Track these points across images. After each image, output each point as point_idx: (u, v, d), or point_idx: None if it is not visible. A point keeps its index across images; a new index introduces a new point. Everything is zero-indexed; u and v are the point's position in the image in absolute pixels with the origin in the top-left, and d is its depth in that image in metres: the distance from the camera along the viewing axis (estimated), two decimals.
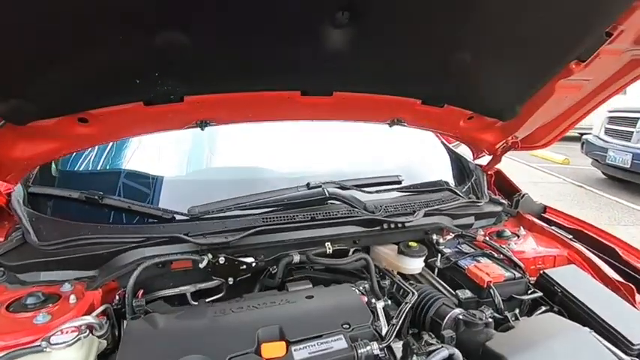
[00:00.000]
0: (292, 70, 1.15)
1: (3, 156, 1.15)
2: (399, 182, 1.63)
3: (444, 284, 1.31)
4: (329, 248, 1.32)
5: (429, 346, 0.92)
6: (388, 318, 1.07)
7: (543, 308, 1.23)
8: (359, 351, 0.84)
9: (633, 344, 1.02)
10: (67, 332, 0.86)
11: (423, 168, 1.92)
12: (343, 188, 1.47)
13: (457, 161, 2.07)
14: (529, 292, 1.25)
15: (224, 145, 1.69)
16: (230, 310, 0.96)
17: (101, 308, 1.06)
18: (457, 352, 0.89)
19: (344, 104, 1.37)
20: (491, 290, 1.18)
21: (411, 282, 1.30)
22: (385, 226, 1.42)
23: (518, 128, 1.65)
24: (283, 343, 0.85)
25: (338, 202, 1.46)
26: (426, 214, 1.50)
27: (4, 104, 0.95)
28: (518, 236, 1.57)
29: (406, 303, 1.05)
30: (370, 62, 1.18)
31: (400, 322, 0.97)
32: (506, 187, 1.97)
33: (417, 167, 1.89)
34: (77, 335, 0.85)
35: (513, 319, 1.07)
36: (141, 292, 1.19)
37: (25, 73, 0.91)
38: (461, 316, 1.04)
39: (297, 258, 1.30)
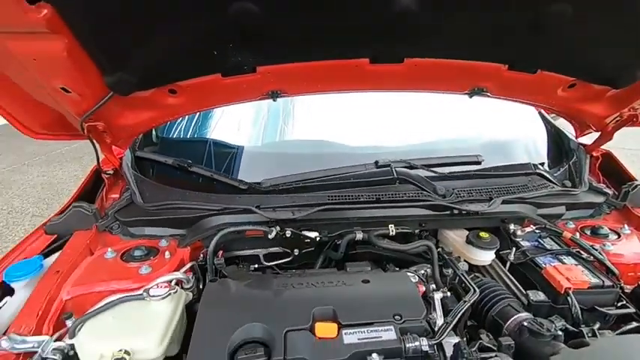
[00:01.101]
0: (360, 34, 1.07)
1: (113, 123, 1.34)
2: (479, 163, 1.50)
3: (515, 281, 1.22)
4: (392, 230, 1.31)
5: (481, 352, 0.90)
6: (445, 311, 1.06)
7: (634, 324, 1.08)
8: (407, 345, 0.86)
9: None
10: (161, 286, 1.04)
11: (511, 146, 1.72)
12: (412, 168, 1.41)
13: (555, 137, 1.80)
14: (619, 304, 1.10)
15: (297, 117, 1.73)
16: (291, 284, 1.05)
17: (189, 265, 1.24)
18: None
19: (417, 72, 1.24)
20: (569, 298, 1.07)
21: (476, 274, 1.25)
22: (456, 211, 1.35)
23: (638, 98, 1.33)
24: (335, 325, 0.91)
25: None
26: (504, 202, 1.37)
27: (112, 77, 1.08)
28: (619, 235, 1.36)
29: (465, 301, 1.02)
30: (447, 21, 1.04)
31: (455, 321, 0.96)
32: (615, 173, 1.67)
33: (502, 145, 1.71)
34: (168, 291, 1.02)
35: (590, 334, 0.97)
36: (220, 252, 1.36)
37: (128, 48, 1.02)
38: (526, 323, 0.98)
39: (359, 236, 1.33)
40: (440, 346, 0.92)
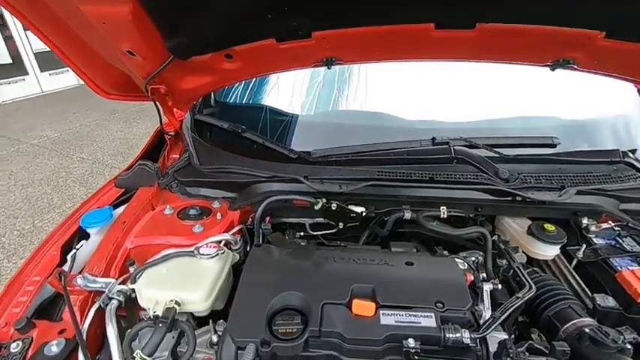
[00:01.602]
0: None
1: (174, 87, 1.39)
2: (553, 145, 1.34)
3: (580, 282, 1.10)
4: (443, 213, 1.24)
5: (530, 354, 0.83)
6: (494, 304, 1.00)
7: None
8: (447, 335, 0.82)
9: None
10: (211, 246, 1.10)
11: (596, 128, 1.50)
12: (473, 147, 1.29)
13: None
14: None
15: (352, 86, 1.65)
16: (332, 258, 1.05)
17: (237, 227, 1.30)
18: None
19: (490, 40, 1.10)
20: None
21: (535, 269, 1.14)
22: (519, 198, 1.22)
23: None
24: (373, 305, 0.89)
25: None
26: (579, 193, 1.21)
27: (171, 41, 1.11)
28: None
29: (517, 298, 0.94)
30: None
31: (503, 317, 0.89)
32: None
33: (585, 127, 1.49)
34: (217, 251, 1.08)
35: None
36: (268, 218, 1.40)
37: (187, 13, 1.04)
38: (588, 329, 0.88)
39: (408, 215, 1.28)
40: (484, 340, 0.86)
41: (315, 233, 1.43)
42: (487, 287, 1.03)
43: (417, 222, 1.21)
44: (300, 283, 0.96)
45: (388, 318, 0.87)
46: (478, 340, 0.84)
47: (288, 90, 1.74)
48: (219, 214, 1.32)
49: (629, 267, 1.07)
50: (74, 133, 5.83)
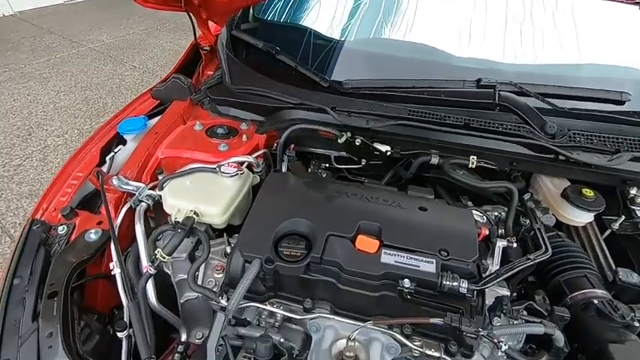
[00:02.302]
0: None
1: None
2: (621, 102, 1.16)
3: (607, 253, 1.03)
4: (472, 163, 1.17)
5: (524, 313, 0.82)
6: (505, 262, 0.97)
7: None
8: (444, 282, 0.83)
9: None
10: (232, 166, 1.14)
11: None
12: (522, 94, 1.15)
13: None
14: None
15: (399, 12, 1.48)
16: (346, 193, 1.05)
17: (261, 151, 1.32)
18: (559, 334, 0.77)
19: None
20: None
21: (559, 233, 1.08)
22: (562, 157, 1.11)
23: None
24: (377, 242, 0.91)
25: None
26: (635, 159, 1.08)
27: None
28: None
29: (528, 259, 0.90)
30: None
31: (507, 275, 0.87)
32: None
33: None
34: (236, 171, 1.11)
35: None
36: (292, 146, 1.40)
37: None
38: (596, 301, 0.84)
39: (435, 160, 1.22)
40: (481, 293, 0.86)
41: (339, 166, 1.42)
42: (500, 244, 1.00)
43: (442, 168, 1.15)
44: (311, 211, 0.99)
45: (389, 257, 0.88)
46: (475, 291, 0.84)
47: (330, 10, 1.60)
48: (245, 135, 1.34)
49: None
50: (127, 40, 5.95)
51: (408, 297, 0.83)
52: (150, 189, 1.16)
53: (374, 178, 1.38)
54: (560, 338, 0.77)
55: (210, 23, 1.54)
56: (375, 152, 1.25)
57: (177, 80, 1.44)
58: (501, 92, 1.17)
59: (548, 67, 1.33)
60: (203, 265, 1.05)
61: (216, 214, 1.05)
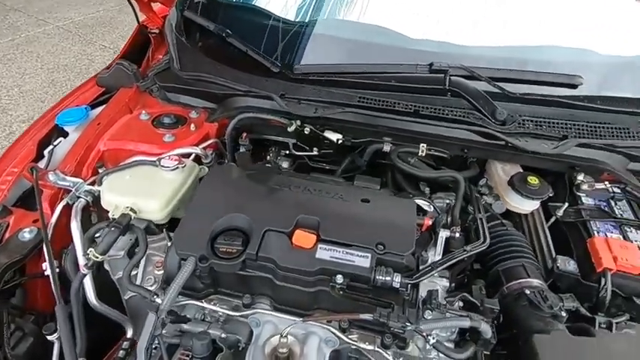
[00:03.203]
0: None
1: None
2: (574, 86, 1.13)
3: (549, 241, 1.03)
4: (422, 150, 1.14)
5: (460, 304, 0.83)
6: (448, 251, 0.97)
7: None
8: (377, 277, 0.82)
9: None
10: (172, 159, 1.09)
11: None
12: (474, 79, 1.12)
13: None
14: None
15: None
16: (289, 185, 1.03)
17: (210, 141, 1.27)
18: (485, 326, 0.77)
19: None
20: (604, 278, 0.88)
21: (505, 221, 1.08)
22: (510, 144, 1.10)
23: None
24: (314, 237, 0.89)
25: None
26: (582, 145, 1.07)
27: None
28: None
29: (465, 250, 0.90)
30: None
31: (440, 269, 0.86)
32: None
33: (624, 67, 1.24)
34: (176, 164, 1.07)
35: (604, 326, 0.82)
36: (244, 134, 1.36)
37: None
38: (528, 291, 0.85)
39: (387, 148, 1.20)
40: (415, 286, 0.86)
41: (298, 154, 1.39)
42: (443, 234, 0.99)
43: (390, 157, 1.13)
44: (250, 206, 0.96)
45: (324, 252, 0.87)
46: (409, 285, 0.84)
47: None
48: (193, 125, 1.29)
49: (607, 233, 0.99)
50: (97, 17, 5.66)
51: (341, 293, 0.82)
52: (90, 184, 1.11)
53: (336, 164, 1.36)
54: (486, 330, 0.78)
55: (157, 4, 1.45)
56: (325, 141, 1.22)
57: (121, 66, 1.37)
58: (452, 77, 1.13)
59: (504, 49, 1.29)
60: (143, 261, 1.02)
61: (155, 209, 1.02)
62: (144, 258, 1.02)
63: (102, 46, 4.89)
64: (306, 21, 1.44)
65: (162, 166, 1.07)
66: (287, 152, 1.40)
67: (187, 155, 1.21)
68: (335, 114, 1.16)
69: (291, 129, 1.21)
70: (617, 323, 0.82)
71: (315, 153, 1.36)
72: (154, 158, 1.11)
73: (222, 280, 0.94)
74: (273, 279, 0.89)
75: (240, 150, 1.39)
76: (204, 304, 0.92)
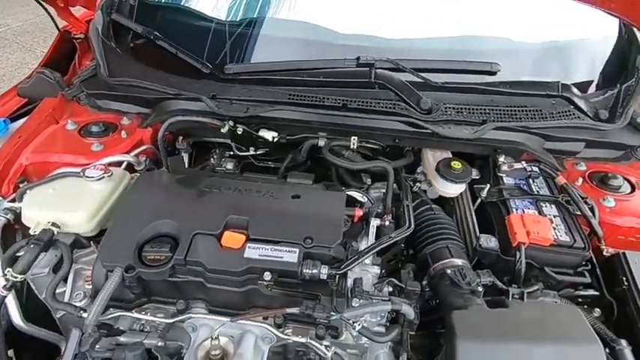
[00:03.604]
0: None
1: None
2: (492, 73, 1.19)
3: (474, 222, 1.09)
4: (353, 143, 1.17)
5: (389, 289, 0.86)
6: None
7: (591, 293, 0.96)
8: (304, 270, 0.84)
9: None
10: (98, 169, 1.06)
11: (549, 55, 1.33)
12: (398, 70, 1.15)
13: (622, 49, 1.35)
14: (579, 270, 0.96)
15: None
16: (220, 187, 1.02)
17: (143, 147, 1.24)
18: (407, 308, 0.81)
19: None
20: (518, 252, 0.94)
21: (433, 206, 1.12)
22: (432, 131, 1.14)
23: None
24: (243, 237, 0.90)
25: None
26: (499, 129, 1.13)
27: None
28: (634, 189, 1.10)
29: (390, 237, 0.93)
30: None
31: (366, 257, 0.89)
32: None
33: (538, 52, 1.32)
34: (102, 174, 1.04)
35: (517, 296, 0.88)
36: (181, 138, 1.34)
37: None
38: (449, 271, 0.89)
39: (322, 143, 1.22)
40: (344, 277, 0.89)
41: (241, 154, 1.38)
42: (374, 223, 1.02)
43: (321, 153, 1.15)
44: (179, 211, 0.95)
45: (253, 251, 0.87)
46: (337, 275, 0.86)
47: None
48: (124, 132, 1.26)
49: (525, 210, 1.05)
50: (37, 23, 5.33)
51: (270, 289, 0.83)
52: (11, 201, 1.06)
53: (281, 162, 1.36)
54: (409, 312, 0.82)
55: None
56: (260, 140, 1.22)
57: (43, 75, 1.30)
58: (378, 70, 1.16)
59: (428, 41, 1.33)
60: (72, 276, 0.99)
61: (80, 221, 0.98)
62: (72, 273, 0.99)
63: (43, 54, 4.62)
64: (238, 20, 1.43)
65: (87, 176, 1.04)
66: (231, 153, 1.39)
67: (119, 163, 1.17)
68: (266, 112, 1.17)
69: (224, 130, 1.20)
70: (528, 293, 0.88)
71: (260, 152, 1.36)
72: (78, 169, 1.07)
73: (153, 288, 0.93)
74: (204, 282, 0.89)
75: (182, 154, 1.38)
76: (136, 315, 0.91)
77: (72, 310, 0.86)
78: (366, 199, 1.12)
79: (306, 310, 0.79)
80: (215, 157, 1.40)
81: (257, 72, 1.25)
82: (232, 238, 0.89)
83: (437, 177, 1.12)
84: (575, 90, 1.21)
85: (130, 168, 1.20)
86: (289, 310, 0.80)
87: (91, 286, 0.98)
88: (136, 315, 0.90)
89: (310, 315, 0.79)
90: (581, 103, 1.19)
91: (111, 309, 0.91)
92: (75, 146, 1.19)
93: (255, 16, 1.40)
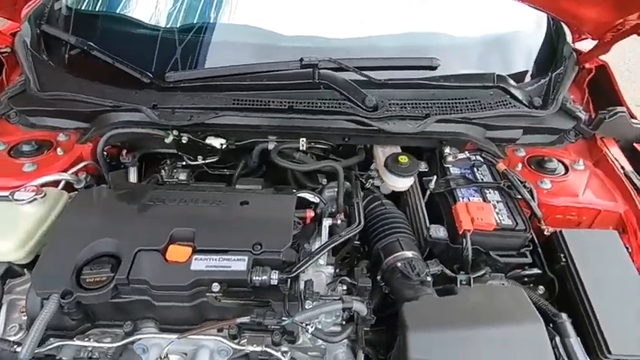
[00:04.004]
0: None
1: None
2: (433, 68, 1.22)
3: (424, 214, 1.11)
4: (302, 145, 1.17)
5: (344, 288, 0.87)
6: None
7: (535, 272, 1.01)
8: (253, 278, 0.82)
9: (608, 353, 0.81)
10: (29, 190, 0.99)
11: (487, 48, 1.39)
12: (342, 70, 1.16)
13: (551, 39, 1.43)
14: (521, 250, 1.00)
15: None
16: (164, 200, 0.98)
17: (83, 164, 1.18)
18: (358, 305, 0.81)
19: None
20: (464, 239, 0.97)
21: (385, 201, 1.14)
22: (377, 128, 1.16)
23: None
24: (189, 249, 0.87)
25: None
26: (443, 121, 1.16)
27: None
28: (568, 171, 1.17)
29: (340, 236, 0.94)
30: None
31: (317, 257, 0.89)
32: (605, 93, 1.37)
33: (475, 46, 1.38)
34: (32, 196, 0.97)
35: (465, 282, 0.90)
36: (124, 151, 1.28)
37: None
38: (399, 264, 0.91)
39: (272, 146, 1.21)
40: (296, 280, 0.88)
41: (193, 163, 1.33)
42: (326, 223, 1.02)
43: (270, 156, 1.14)
44: (119, 228, 0.91)
45: (200, 263, 0.85)
46: (289, 280, 0.85)
47: None
48: (60, 149, 1.18)
49: (470, 197, 1.09)
50: None
51: (219, 301, 0.81)
52: None
53: (234, 169, 1.33)
54: (361, 309, 0.82)
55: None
56: (207, 148, 1.19)
57: None
58: (321, 70, 1.16)
59: (371, 39, 1.35)
60: (5, 309, 0.92)
61: (9, 249, 0.91)
62: (5, 304, 0.92)
63: None
64: (178, 27, 1.39)
65: (16, 199, 0.97)
66: (183, 164, 1.35)
67: (56, 183, 1.10)
68: (210, 119, 1.14)
69: (168, 140, 1.17)
70: (475, 278, 0.91)
71: (213, 160, 1.32)
72: (5, 192, 0.99)
73: (97, 312, 0.88)
74: (151, 300, 0.85)
75: (129, 168, 1.32)
76: (80, 342, 0.85)
77: (4, 345, 0.80)
78: (318, 199, 1.12)
79: (257, 317, 0.78)
80: (166, 168, 1.35)
81: (199, 78, 1.21)
82: (178, 252, 0.86)
83: (386, 172, 1.13)
84: (510, 80, 1.27)
85: (69, 187, 1.13)
86: (240, 320, 0.78)
87: (26, 318, 0.92)
88: (79, 343, 0.85)
89: (261, 323, 0.77)
90: (517, 93, 1.25)
91: (51, 339, 0.85)
92: (5, 168, 1.11)
93: (195, 21, 1.36)
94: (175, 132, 1.16)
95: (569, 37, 1.38)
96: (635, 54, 4.76)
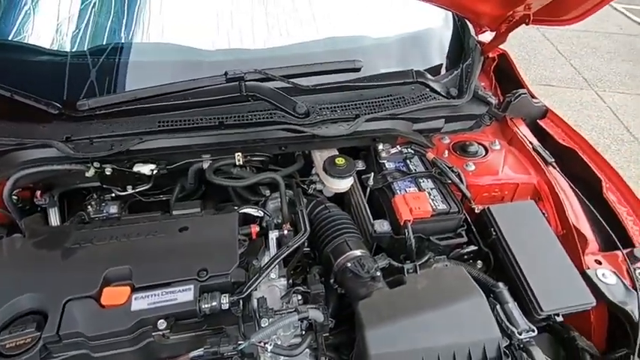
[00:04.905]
0: None
1: None
2: (356, 70, 1.26)
3: (367, 211, 1.14)
4: (238, 160, 1.14)
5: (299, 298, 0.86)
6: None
7: (472, 248, 1.08)
8: (202, 307, 0.78)
9: (540, 310, 0.89)
10: None
11: (403, 46, 1.47)
12: (267, 80, 1.16)
13: (458, 34, 1.56)
14: (458, 231, 1.08)
15: (133, 9, 1.31)
16: (91, 240, 0.90)
17: None
18: (314, 312, 0.81)
19: None
20: (406, 230, 1.01)
21: (328, 204, 1.15)
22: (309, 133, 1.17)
23: None
24: (127, 289, 0.80)
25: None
26: (372, 120, 1.21)
27: None
28: (487, 152, 1.28)
29: (287, 246, 0.93)
30: None
31: (266, 273, 0.87)
32: (510, 78, 1.53)
33: (392, 45, 1.45)
34: None
35: (412, 270, 0.95)
36: (39, 192, 1.15)
37: None
38: (349, 264, 0.92)
39: (206, 165, 1.16)
40: (247, 300, 0.85)
41: (123, 194, 1.23)
42: (273, 235, 1.01)
43: (205, 176, 1.10)
44: (42, 279, 0.81)
45: (141, 302, 0.79)
46: (241, 301, 0.82)
47: (50, 17, 1.32)
48: None
49: (407, 189, 1.14)
50: None
51: (167, 338, 0.76)
52: None
53: (171, 193, 1.25)
54: (317, 316, 0.82)
55: None
56: (136, 176, 1.11)
57: None
58: (248, 82, 1.15)
59: (294, 47, 1.37)
60: None
61: None
62: None
63: None
64: (88, 49, 1.28)
65: None
66: (113, 195, 1.24)
67: None
68: (134, 145, 1.07)
69: (89, 174, 1.08)
70: (420, 264, 0.95)
71: (145, 188, 1.24)
72: None
73: None
74: (90, 353, 0.77)
75: (48, 210, 1.18)
76: None
77: None
78: (262, 213, 1.10)
79: (211, 347, 0.74)
80: (93, 203, 1.23)
81: (117, 103, 1.13)
82: (114, 294, 0.79)
83: (325, 175, 1.15)
84: (427, 75, 1.36)
85: None
86: (193, 354, 0.74)
87: None
88: None
89: (216, 352, 0.74)
90: (435, 85, 1.34)
91: None
92: None
93: (105, 42, 1.27)
94: (97, 164, 1.07)
95: (472, 31, 1.52)
96: (529, 40, 5.39)
